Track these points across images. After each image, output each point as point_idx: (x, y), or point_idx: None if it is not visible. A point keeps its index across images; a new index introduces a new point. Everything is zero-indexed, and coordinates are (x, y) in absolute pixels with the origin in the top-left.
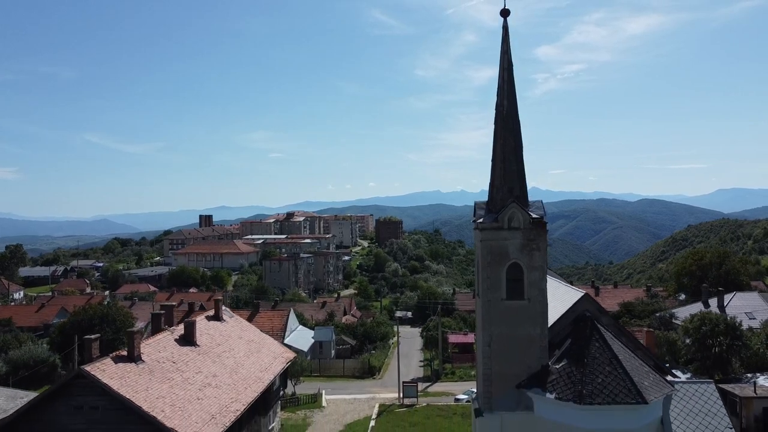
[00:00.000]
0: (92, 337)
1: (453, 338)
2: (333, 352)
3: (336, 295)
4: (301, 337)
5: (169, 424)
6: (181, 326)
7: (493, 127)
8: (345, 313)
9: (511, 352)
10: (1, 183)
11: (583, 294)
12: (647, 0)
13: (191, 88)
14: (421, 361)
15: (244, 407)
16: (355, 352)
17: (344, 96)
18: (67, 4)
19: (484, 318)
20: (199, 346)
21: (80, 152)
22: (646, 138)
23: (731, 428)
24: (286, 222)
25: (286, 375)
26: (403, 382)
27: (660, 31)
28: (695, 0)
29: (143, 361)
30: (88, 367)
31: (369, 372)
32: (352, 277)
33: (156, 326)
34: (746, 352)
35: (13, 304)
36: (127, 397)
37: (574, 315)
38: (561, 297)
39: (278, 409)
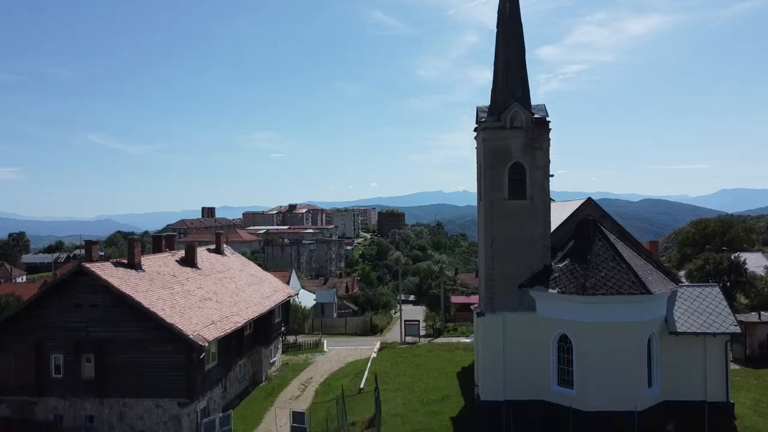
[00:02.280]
0: (93, 240)
1: (455, 299)
2: (335, 314)
3: (339, 276)
4: (303, 298)
5: (169, 320)
6: (182, 251)
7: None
8: (347, 291)
9: (514, 252)
10: (4, 183)
11: (585, 198)
12: (649, 0)
13: (191, 89)
14: (423, 327)
15: (245, 321)
16: (356, 315)
17: (345, 96)
18: (68, 5)
19: (486, 219)
20: (200, 268)
21: (82, 152)
22: (648, 138)
23: (736, 325)
24: (289, 214)
25: (288, 314)
26: (405, 321)
27: (662, 31)
28: (696, 0)
29: (143, 270)
30: (88, 264)
31: (371, 330)
32: (355, 266)
33: (157, 248)
34: (751, 289)
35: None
36: (128, 292)
37: (577, 220)
38: (563, 210)
39: (280, 346)
